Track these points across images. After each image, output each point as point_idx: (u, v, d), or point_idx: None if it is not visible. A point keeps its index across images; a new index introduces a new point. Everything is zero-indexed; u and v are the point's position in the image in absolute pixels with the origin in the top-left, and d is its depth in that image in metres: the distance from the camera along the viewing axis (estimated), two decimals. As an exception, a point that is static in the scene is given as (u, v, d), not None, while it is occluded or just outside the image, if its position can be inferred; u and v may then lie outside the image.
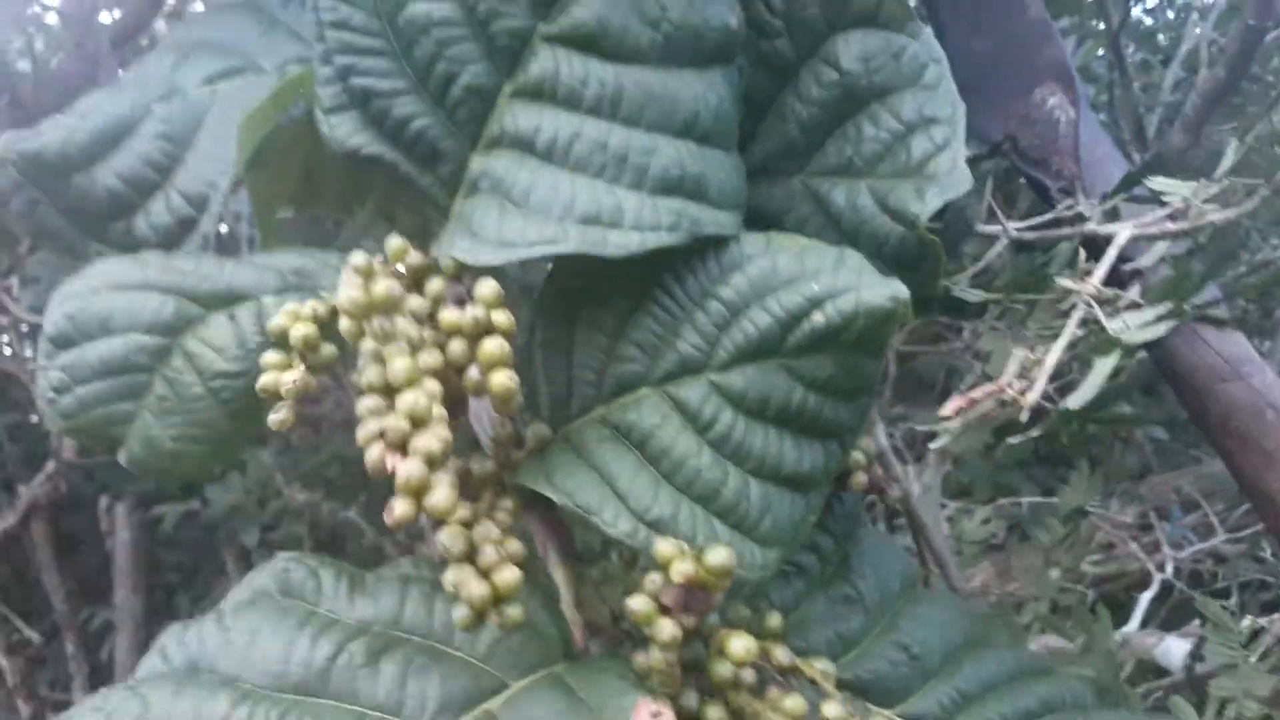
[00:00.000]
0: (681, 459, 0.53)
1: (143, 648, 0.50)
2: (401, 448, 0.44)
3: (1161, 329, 0.47)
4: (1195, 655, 0.97)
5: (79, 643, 2.69)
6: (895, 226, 0.58)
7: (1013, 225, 0.61)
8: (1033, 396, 0.47)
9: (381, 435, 0.45)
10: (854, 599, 0.63)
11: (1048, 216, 0.63)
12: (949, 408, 0.49)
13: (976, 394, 0.48)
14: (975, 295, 0.58)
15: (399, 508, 0.44)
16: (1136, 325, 0.47)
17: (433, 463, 0.44)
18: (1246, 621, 0.75)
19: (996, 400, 0.47)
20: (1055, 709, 0.63)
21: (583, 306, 0.56)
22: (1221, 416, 0.64)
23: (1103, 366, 0.47)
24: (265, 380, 0.50)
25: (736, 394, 0.53)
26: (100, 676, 2.65)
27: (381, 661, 0.50)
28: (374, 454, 0.45)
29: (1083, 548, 1.06)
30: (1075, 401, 0.48)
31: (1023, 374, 0.48)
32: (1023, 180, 0.74)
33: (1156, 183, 0.54)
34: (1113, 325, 0.47)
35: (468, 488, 0.54)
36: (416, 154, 0.54)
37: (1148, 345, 0.62)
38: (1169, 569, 1.32)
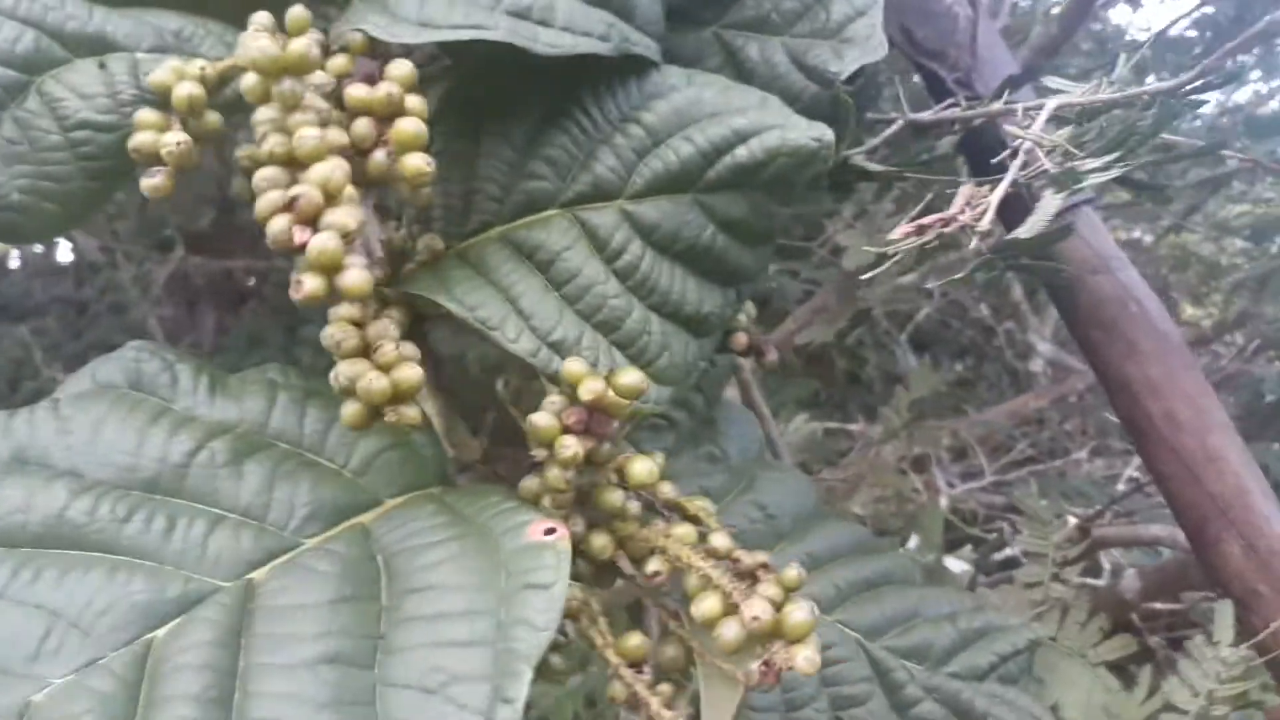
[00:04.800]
0: (587, 285, 0.51)
1: None
2: (313, 221, 0.40)
3: (1114, 171, 0.50)
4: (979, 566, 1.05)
5: None
6: (809, 84, 0.58)
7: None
8: (984, 223, 0.48)
9: (289, 206, 0.40)
10: (718, 458, 0.63)
11: (944, 104, 0.65)
12: (898, 231, 0.50)
13: (926, 220, 0.49)
14: (876, 167, 0.59)
15: (309, 283, 0.40)
16: (1085, 169, 0.49)
17: (347, 238, 0.40)
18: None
19: (938, 230, 0.48)
20: (890, 581, 0.66)
21: (488, 118, 0.53)
22: (1091, 307, 0.69)
23: (1053, 201, 0.49)
24: (140, 139, 0.43)
25: (648, 225, 0.51)
26: None
27: (246, 463, 0.45)
28: (279, 225, 0.40)
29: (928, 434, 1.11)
30: (1025, 231, 0.50)
31: (968, 207, 0.49)
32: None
33: (1054, 82, 0.57)
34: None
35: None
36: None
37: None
38: (943, 502, 1.42)
